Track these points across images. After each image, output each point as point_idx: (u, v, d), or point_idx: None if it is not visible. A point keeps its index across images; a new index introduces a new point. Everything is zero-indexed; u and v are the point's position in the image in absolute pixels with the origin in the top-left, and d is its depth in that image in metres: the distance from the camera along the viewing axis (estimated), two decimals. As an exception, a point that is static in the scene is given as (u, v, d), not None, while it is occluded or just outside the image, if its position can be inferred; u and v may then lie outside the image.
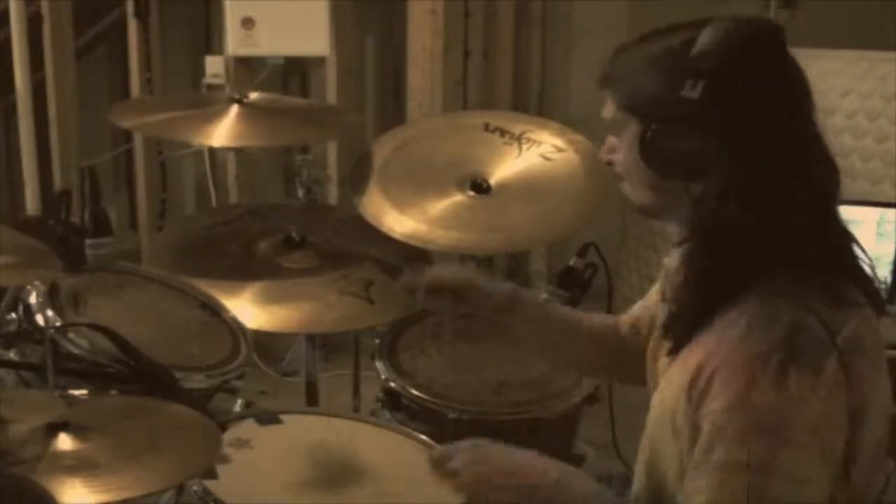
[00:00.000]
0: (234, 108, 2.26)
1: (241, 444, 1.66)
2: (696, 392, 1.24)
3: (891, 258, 2.50)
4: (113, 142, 3.75)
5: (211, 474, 1.51)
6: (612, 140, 1.41)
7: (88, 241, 2.09)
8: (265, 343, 2.93)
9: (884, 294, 2.47)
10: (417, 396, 1.98)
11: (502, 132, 2.39)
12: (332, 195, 3.46)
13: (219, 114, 2.25)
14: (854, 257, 1.34)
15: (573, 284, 2.10)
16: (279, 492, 1.56)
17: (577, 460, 2.05)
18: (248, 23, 3.34)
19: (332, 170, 3.50)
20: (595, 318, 1.76)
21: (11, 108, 3.43)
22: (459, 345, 2.16)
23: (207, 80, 3.50)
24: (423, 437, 1.77)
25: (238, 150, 3.48)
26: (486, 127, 2.40)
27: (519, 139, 2.36)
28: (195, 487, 1.51)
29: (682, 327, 1.34)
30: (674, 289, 1.37)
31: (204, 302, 2.02)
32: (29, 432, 1.39)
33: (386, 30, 3.90)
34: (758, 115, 1.27)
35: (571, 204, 2.25)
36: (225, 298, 2.06)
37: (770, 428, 1.19)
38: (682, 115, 1.28)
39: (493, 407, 1.99)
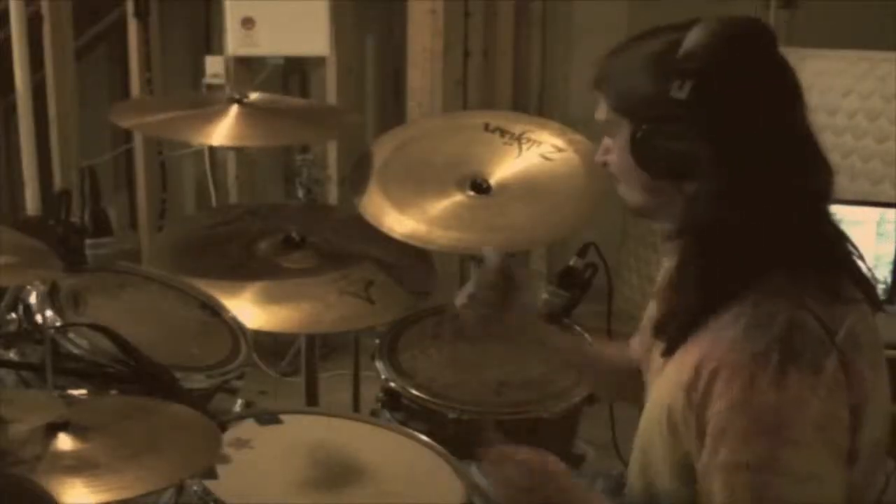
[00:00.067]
0: (234, 108, 2.26)
1: (241, 444, 1.66)
2: (696, 393, 1.24)
3: (891, 258, 2.50)
4: (113, 142, 3.75)
5: (211, 474, 1.51)
6: (606, 142, 1.41)
7: (88, 241, 2.09)
8: (265, 343, 2.93)
9: (883, 294, 2.48)
10: (417, 396, 1.98)
11: (502, 132, 2.39)
12: (332, 195, 3.46)
13: (219, 114, 2.25)
14: (849, 254, 1.34)
15: (573, 284, 2.10)
16: (279, 492, 1.56)
17: (577, 460, 2.05)
18: (248, 23, 3.34)
19: (332, 170, 3.50)
20: (611, 351, 1.75)
21: (11, 108, 3.44)
22: (459, 345, 2.16)
23: (207, 80, 3.50)
24: (423, 437, 1.77)
25: (238, 150, 3.48)
26: (486, 127, 2.41)
27: (519, 139, 2.36)
28: (195, 487, 1.51)
29: (675, 328, 1.35)
30: (665, 288, 1.38)
31: (204, 302, 2.02)
32: (29, 432, 1.39)
33: (386, 30, 3.90)
34: (746, 115, 1.27)
35: (571, 204, 2.25)
36: (225, 298, 2.06)
37: (771, 428, 1.19)
38: (670, 115, 1.28)
39: (493, 407, 1.99)
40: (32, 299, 1.77)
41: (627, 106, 1.35)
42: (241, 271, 2.23)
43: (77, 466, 1.34)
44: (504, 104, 3.71)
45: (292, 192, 2.61)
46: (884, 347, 1.34)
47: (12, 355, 1.74)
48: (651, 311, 1.56)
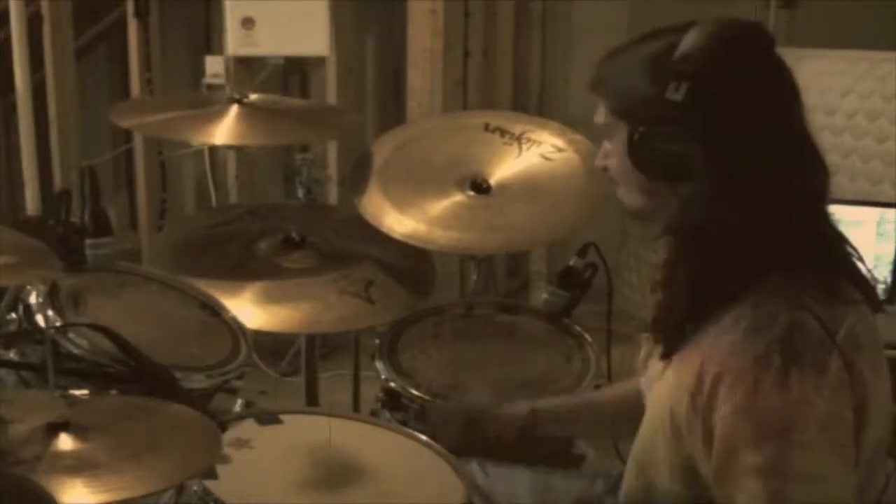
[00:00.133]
0: (234, 108, 2.26)
1: (241, 444, 1.66)
2: (701, 397, 1.24)
3: (891, 258, 2.50)
4: (113, 142, 3.75)
5: (211, 474, 1.51)
6: (606, 145, 1.42)
7: (88, 241, 2.08)
8: (265, 343, 2.93)
9: (883, 294, 2.48)
10: (417, 396, 1.98)
11: (502, 132, 2.39)
12: (332, 195, 3.46)
13: (219, 114, 2.25)
14: (847, 255, 1.34)
15: (573, 284, 2.10)
16: (279, 492, 1.56)
17: (577, 460, 2.04)
18: (248, 23, 3.34)
19: (332, 170, 3.50)
20: (627, 386, 1.73)
21: (11, 108, 3.44)
22: (459, 345, 2.16)
23: (207, 80, 3.50)
24: (423, 437, 1.77)
25: (238, 150, 3.48)
26: (486, 127, 2.41)
27: (519, 139, 2.36)
28: (195, 487, 1.50)
29: (671, 331, 1.35)
30: (655, 287, 1.38)
31: (204, 302, 2.02)
32: (29, 432, 1.38)
33: (386, 30, 3.90)
34: (742, 116, 1.27)
35: (571, 204, 2.25)
36: (225, 298, 2.06)
37: (778, 430, 1.19)
38: (666, 117, 1.29)
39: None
40: (32, 299, 1.77)
41: (625, 108, 1.35)
42: (241, 271, 2.23)
43: (77, 466, 1.34)
44: (504, 104, 3.71)
45: (292, 192, 2.61)
46: (884, 347, 1.34)
47: (12, 355, 1.73)
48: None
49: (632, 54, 1.36)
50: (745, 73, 1.29)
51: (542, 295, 2.09)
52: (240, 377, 1.88)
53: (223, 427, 1.62)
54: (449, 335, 2.18)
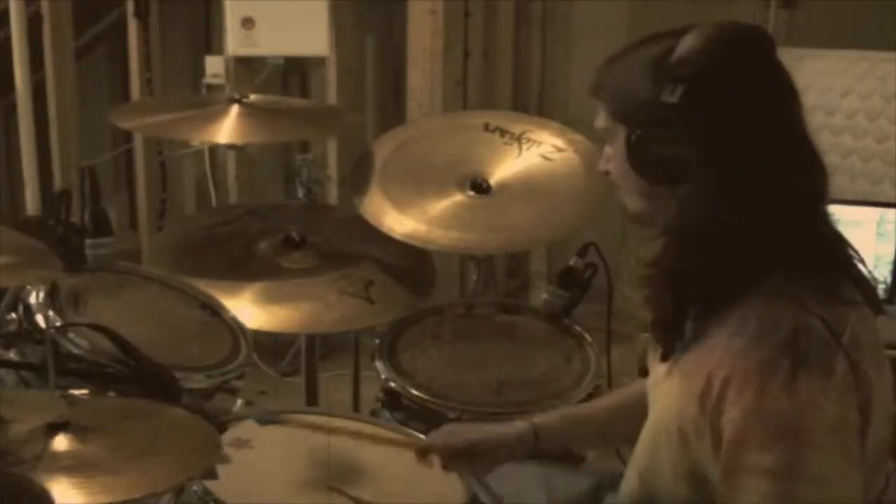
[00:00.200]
0: (235, 108, 2.27)
1: (241, 444, 1.66)
2: (710, 401, 1.24)
3: (891, 258, 2.50)
4: (113, 142, 3.75)
5: (211, 474, 1.51)
6: (607, 150, 1.42)
7: (88, 241, 2.08)
8: (265, 343, 2.93)
9: (883, 294, 2.47)
10: (417, 396, 1.98)
11: (502, 132, 2.39)
12: (332, 195, 3.46)
13: (219, 114, 2.25)
14: (848, 256, 1.34)
15: (573, 284, 2.10)
16: (279, 492, 1.56)
17: (578, 460, 2.04)
18: (248, 23, 3.34)
19: (332, 170, 3.50)
20: (625, 393, 1.72)
21: (11, 108, 3.44)
22: (459, 345, 2.16)
23: (207, 80, 3.50)
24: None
25: (238, 150, 3.48)
26: (486, 127, 2.41)
27: (519, 139, 2.37)
28: (195, 487, 1.51)
29: (669, 333, 1.35)
30: (647, 286, 1.38)
31: (204, 302, 2.02)
32: (29, 432, 1.38)
33: (386, 30, 3.90)
34: (739, 118, 1.27)
35: (571, 204, 2.25)
36: (225, 298, 2.06)
37: (788, 432, 1.19)
38: (664, 119, 1.29)
39: (493, 407, 1.99)
40: (32, 299, 1.77)
41: (624, 112, 1.35)
42: (241, 271, 2.23)
43: (77, 467, 1.34)
44: (504, 104, 3.71)
45: (292, 192, 2.61)
46: (884, 348, 1.34)
47: (12, 355, 1.73)
48: None
49: (630, 58, 1.36)
50: (742, 75, 1.29)
51: (542, 295, 2.09)
52: (240, 377, 1.88)
53: (223, 427, 1.62)
54: (449, 335, 2.18)
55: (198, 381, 1.79)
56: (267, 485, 1.58)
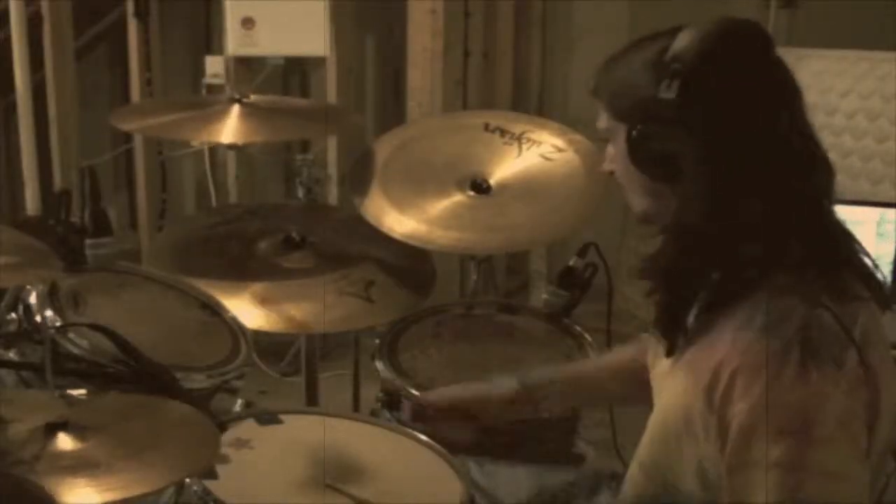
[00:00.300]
0: (235, 108, 2.27)
1: (241, 444, 1.66)
2: (717, 394, 1.24)
3: (891, 258, 2.50)
4: (113, 142, 3.75)
5: (211, 474, 1.51)
6: (610, 150, 1.42)
7: (88, 241, 2.08)
8: (265, 343, 2.93)
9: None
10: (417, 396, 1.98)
11: (502, 132, 2.39)
12: (332, 195, 3.47)
13: (220, 114, 2.25)
14: (855, 253, 1.34)
15: (573, 284, 2.10)
16: (279, 492, 1.56)
17: (577, 460, 2.04)
18: (248, 23, 3.34)
19: (333, 169, 3.50)
20: (615, 357, 1.76)
21: (11, 108, 3.44)
22: (459, 345, 2.16)
23: (207, 80, 3.50)
24: (423, 437, 1.77)
25: (238, 150, 3.48)
26: (486, 127, 2.40)
27: (519, 139, 2.36)
28: (195, 487, 1.50)
29: (670, 330, 1.35)
30: (652, 287, 1.38)
31: (204, 302, 2.02)
32: (29, 432, 1.39)
33: (386, 30, 3.90)
34: (736, 113, 1.27)
35: (571, 204, 2.25)
36: (225, 298, 2.06)
37: (798, 425, 1.19)
38: (661, 115, 1.29)
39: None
40: (32, 299, 1.77)
41: (624, 110, 1.36)
42: (241, 271, 2.23)
43: (77, 466, 1.34)
44: (504, 104, 3.71)
45: (292, 192, 2.61)
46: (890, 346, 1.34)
47: (12, 355, 1.73)
48: None
49: (628, 57, 1.37)
50: (738, 70, 1.29)
51: (542, 295, 2.09)
52: (240, 377, 1.88)
53: (223, 427, 1.62)
54: (449, 335, 2.18)
55: (198, 381, 1.79)
56: (267, 485, 1.58)
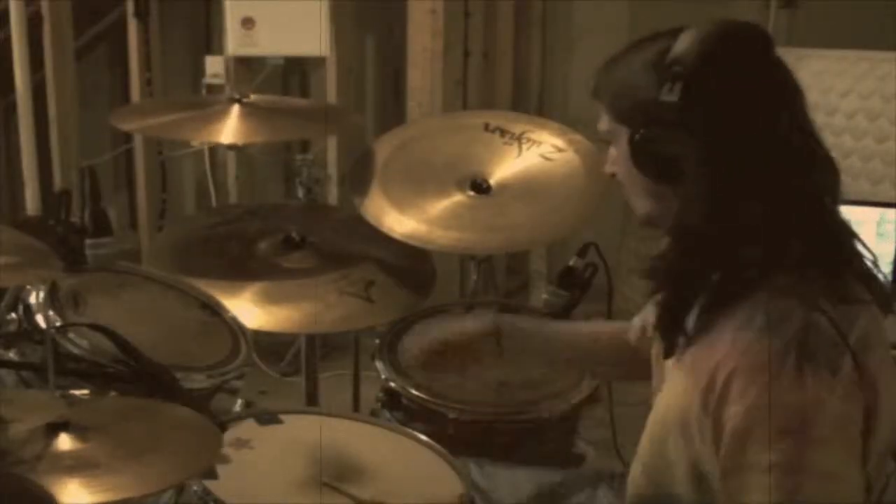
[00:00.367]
0: (235, 108, 2.27)
1: (241, 444, 1.66)
2: (713, 396, 1.24)
3: (891, 258, 2.50)
4: (113, 142, 3.75)
5: (211, 474, 1.51)
6: (612, 152, 1.42)
7: (88, 241, 2.09)
8: (265, 343, 2.93)
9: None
10: (417, 396, 1.98)
11: (502, 132, 2.39)
12: (332, 195, 3.46)
13: (220, 114, 2.25)
14: (858, 255, 1.34)
15: (573, 284, 2.09)
16: (279, 492, 1.56)
17: (577, 460, 2.04)
18: (248, 23, 3.34)
19: (333, 169, 3.50)
20: (606, 327, 1.77)
21: (11, 108, 3.44)
22: (459, 345, 2.16)
23: (207, 80, 3.50)
24: (423, 437, 1.77)
25: (238, 150, 3.48)
26: (486, 127, 2.41)
27: (519, 139, 2.36)
28: (195, 487, 1.51)
29: (670, 331, 1.35)
30: (653, 288, 1.38)
31: (204, 302, 2.02)
32: (29, 432, 1.38)
33: (386, 30, 3.90)
34: (738, 114, 1.27)
35: (571, 204, 2.25)
36: (225, 298, 2.06)
37: (795, 427, 1.19)
38: (663, 117, 1.29)
39: (493, 407, 1.99)
40: (32, 299, 1.77)
41: (625, 113, 1.36)
42: (240, 271, 2.23)
43: (77, 466, 1.34)
44: (504, 104, 3.71)
45: (292, 192, 2.61)
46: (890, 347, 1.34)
47: (12, 355, 1.73)
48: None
49: (629, 59, 1.37)
50: (739, 71, 1.28)
51: (542, 295, 2.08)
52: (240, 377, 1.88)
53: (223, 427, 1.62)
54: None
55: (198, 381, 1.79)
56: (267, 485, 1.58)
